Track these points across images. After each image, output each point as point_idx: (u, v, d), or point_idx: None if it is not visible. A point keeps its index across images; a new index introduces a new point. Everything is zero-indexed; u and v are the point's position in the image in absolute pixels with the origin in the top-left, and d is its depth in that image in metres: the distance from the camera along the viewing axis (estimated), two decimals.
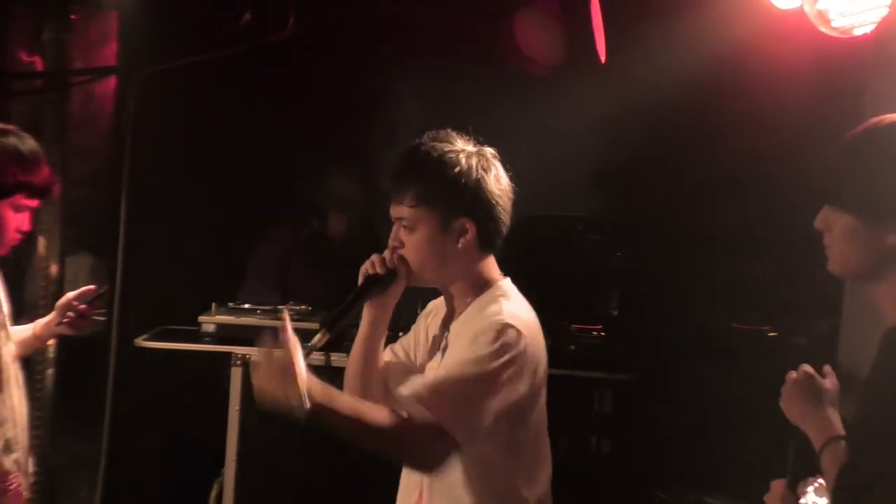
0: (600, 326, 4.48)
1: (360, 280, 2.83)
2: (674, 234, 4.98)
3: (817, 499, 2.58)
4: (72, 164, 5.44)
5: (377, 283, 2.83)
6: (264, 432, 4.38)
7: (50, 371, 5.42)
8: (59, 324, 3.80)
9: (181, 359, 4.82)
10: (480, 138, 2.80)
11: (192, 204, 5.49)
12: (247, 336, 4.49)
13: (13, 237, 3.69)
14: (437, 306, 3.01)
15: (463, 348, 2.68)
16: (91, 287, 3.87)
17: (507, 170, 2.85)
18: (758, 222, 4.63)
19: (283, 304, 4.79)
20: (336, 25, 5.28)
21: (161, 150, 5.34)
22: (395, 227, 2.82)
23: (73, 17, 5.30)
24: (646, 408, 4.86)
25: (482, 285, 2.82)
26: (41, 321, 3.87)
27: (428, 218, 2.77)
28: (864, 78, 4.31)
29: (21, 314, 5.52)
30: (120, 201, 5.24)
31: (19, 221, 3.64)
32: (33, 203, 3.74)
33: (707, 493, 4.23)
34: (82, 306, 3.79)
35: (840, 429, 2.44)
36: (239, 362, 4.43)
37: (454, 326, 2.83)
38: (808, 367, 2.57)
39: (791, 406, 2.56)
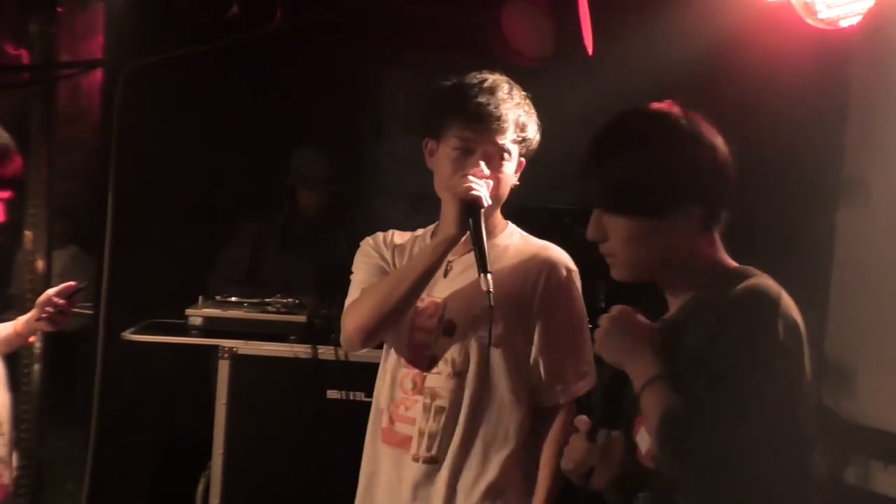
0: (588, 320, 4.47)
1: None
2: None
3: (639, 440, 2.40)
4: (58, 157, 5.44)
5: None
6: (252, 426, 4.38)
7: (36, 366, 5.41)
8: (38, 319, 3.80)
9: (169, 352, 4.81)
10: None
11: (179, 197, 5.49)
12: (234, 329, 4.49)
13: None
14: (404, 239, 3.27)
15: None
16: (71, 283, 3.87)
17: None
18: (743, 214, 4.63)
19: (271, 297, 4.79)
20: (323, 19, 5.28)
21: (148, 144, 5.34)
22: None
23: (59, 9, 5.29)
24: (632, 402, 4.87)
25: None
26: (23, 318, 3.87)
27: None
28: (851, 69, 4.33)
29: (8, 308, 5.55)
30: (107, 194, 5.24)
31: None
32: (5, 195, 3.76)
33: None
34: (61, 301, 3.79)
35: (659, 368, 2.26)
36: (226, 355, 4.42)
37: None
38: (624, 306, 2.39)
39: (609, 345, 2.33)
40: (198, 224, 5.49)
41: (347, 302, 3.19)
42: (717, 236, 2.41)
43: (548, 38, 4.91)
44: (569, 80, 4.62)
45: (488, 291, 2.85)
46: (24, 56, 5.35)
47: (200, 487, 4.70)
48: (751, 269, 2.37)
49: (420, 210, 4.02)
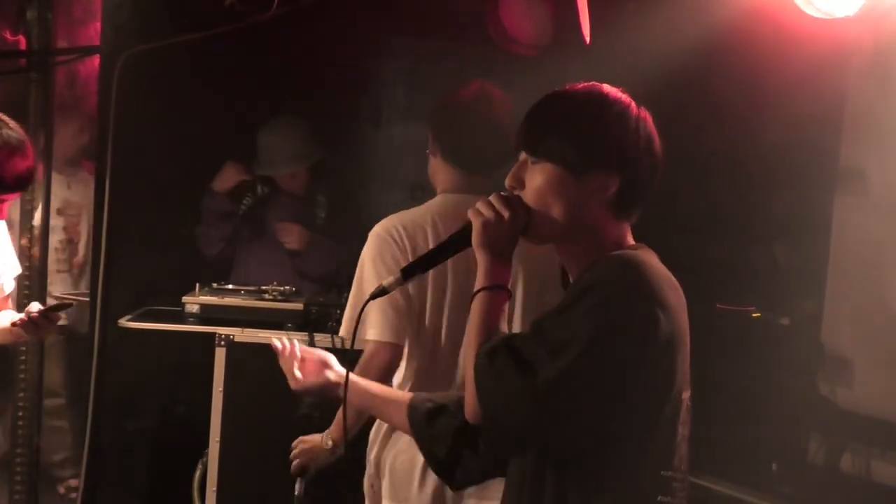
0: None
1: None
2: (660, 218, 5.00)
3: None
4: (56, 143, 5.45)
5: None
6: (249, 413, 4.40)
7: (33, 354, 5.44)
8: (13, 323, 3.83)
9: (166, 339, 4.83)
10: None
11: (176, 185, 5.50)
12: (230, 317, 4.52)
13: None
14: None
15: None
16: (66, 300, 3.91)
17: None
18: (742, 205, 4.66)
19: (267, 284, 4.82)
20: (319, 5, 5.28)
21: (145, 130, 5.34)
22: None
23: None
24: None
25: None
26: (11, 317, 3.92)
27: None
28: (848, 59, 4.34)
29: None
30: (104, 181, 5.25)
31: None
32: (13, 196, 3.83)
33: (692, 473, 4.24)
34: (34, 313, 3.80)
35: (504, 283, 2.32)
36: (223, 342, 4.44)
37: None
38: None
39: (492, 228, 2.31)
40: (195, 212, 5.49)
41: (353, 300, 3.32)
42: (628, 227, 2.45)
43: (546, 25, 4.92)
44: (566, 69, 4.63)
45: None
46: (22, 42, 5.36)
47: (197, 474, 4.72)
48: (644, 246, 2.44)
49: (417, 198, 4.05)
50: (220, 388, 4.42)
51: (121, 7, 5.22)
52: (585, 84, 2.40)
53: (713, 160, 4.67)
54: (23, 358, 5.39)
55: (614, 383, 2.16)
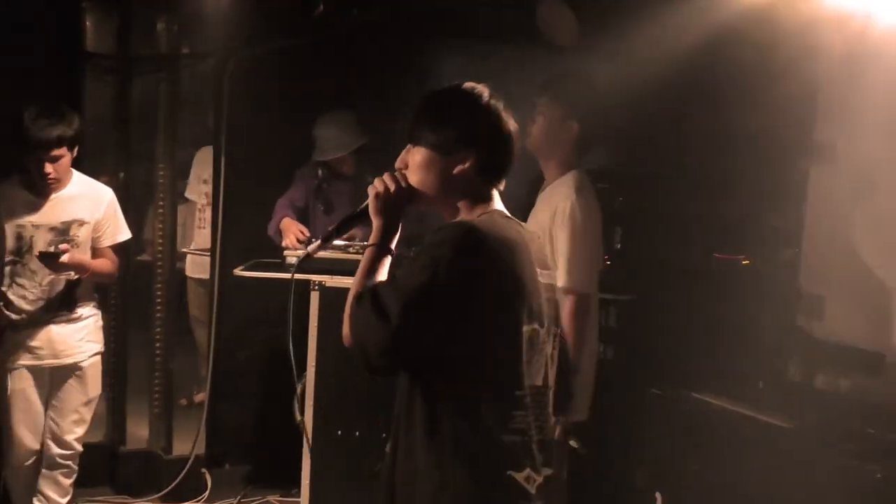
0: (606, 257, 4.48)
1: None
2: (665, 181, 4.98)
3: None
4: (181, 130, 5.49)
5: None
6: (337, 343, 4.42)
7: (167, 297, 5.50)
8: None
9: (270, 285, 4.87)
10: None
11: (277, 161, 5.52)
12: (322, 267, 4.53)
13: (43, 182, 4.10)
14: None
15: None
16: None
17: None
18: (735, 169, 4.62)
19: (350, 241, 4.81)
20: (392, 14, 5.27)
21: (251, 119, 5.37)
22: None
23: (182, 10, 5.33)
24: (643, 322, 4.88)
25: None
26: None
27: None
28: (821, 52, 4.28)
29: (142, 252, 5.63)
30: (220, 158, 5.29)
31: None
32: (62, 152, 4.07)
33: (694, 390, 4.25)
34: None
35: (392, 242, 2.43)
36: (316, 287, 4.46)
37: None
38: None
39: (388, 200, 2.42)
40: (289, 184, 5.49)
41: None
42: (494, 192, 2.48)
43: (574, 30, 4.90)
44: (593, 61, 4.60)
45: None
46: (154, 49, 5.39)
47: (298, 391, 4.77)
48: (497, 210, 2.47)
49: None
50: (315, 324, 4.44)
51: (231, 19, 5.24)
52: (450, 85, 2.51)
53: (716, 136, 4.63)
54: (158, 300, 5.46)
55: (440, 321, 2.25)
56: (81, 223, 4.27)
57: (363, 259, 2.41)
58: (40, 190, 4.20)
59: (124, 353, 5.50)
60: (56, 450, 4.36)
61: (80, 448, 4.46)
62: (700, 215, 4.79)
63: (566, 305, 3.61)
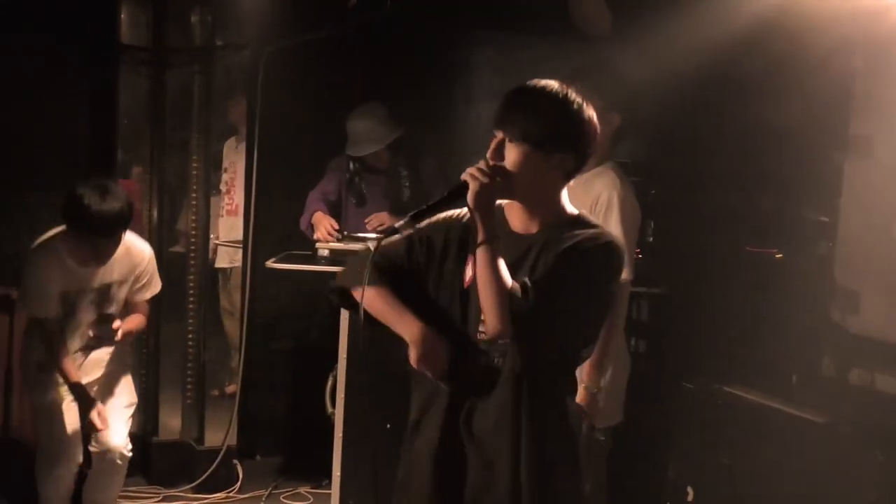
0: (639, 250, 4.48)
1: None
2: (697, 174, 4.97)
3: None
4: (215, 122, 5.52)
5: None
6: (369, 334, 4.44)
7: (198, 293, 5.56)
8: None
9: (302, 277, 4.90)
10: None
11: (309, 155, 5.55)
12: None
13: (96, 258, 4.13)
14: None
15: None
16: None
17: None
18: (768, 162, 4.60)
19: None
20: (425, 6, 5.29)
21: (284, 110, 5.40)
22: None
23: (216, 2, 5.37)
24: (675, 315, 4.88)
25: None
26: None
27: None
28: (857, 45, 4.25)
29: (175, 242, 5.68)
30: (253, 150, 5.33)
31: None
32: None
33: (726, 384, 4.24)
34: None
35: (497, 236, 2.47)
36: None
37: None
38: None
39: (485, 191, 2.45)
40: (322, 174, 5.52)
41: None
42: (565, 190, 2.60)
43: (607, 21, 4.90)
44: (625, 54, 4.59)
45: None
46: (188, 41, 5.43)
47: (329, 385, 4.79)
48: (584, 213, 2.63)
49: None
50: (346, 316, 4.46)
51: (264, 11, 5.27)
52: (550, 81, 2.54)
53: (749, 129, 4.61)
54: (191, 292, 5.51)
55: (596, 308, 2.55)
56: (122, 283, 4.32)
57: (487, 257, 2.42)
58: (86, 260, 4.19)
59: (157, 344, 5.55)
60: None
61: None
62: (733, 208, 4.77)
63: None
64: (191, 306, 5.50)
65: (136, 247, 4.38)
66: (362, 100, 5.34)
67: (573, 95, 2.51)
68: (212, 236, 5.84)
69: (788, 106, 4.34)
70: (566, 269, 2.44)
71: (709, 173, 4.87)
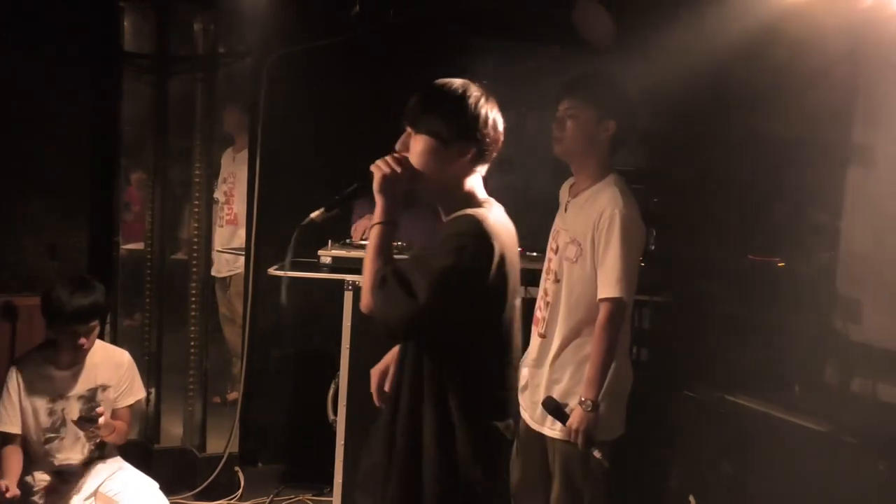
0: (640, 258, 4.51)
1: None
2: (700, 183, 4.98)
3: None
4: (217, 130, 5.54)
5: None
6: (370, 343, 4.45)
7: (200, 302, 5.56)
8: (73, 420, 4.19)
9: (305, 285, 4.90)
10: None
11: (312, 162, 5.54)
12: (356, 266, 4.56)
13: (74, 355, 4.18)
14: None
15: None
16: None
17: None
18: (771, 171, 4.62)
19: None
20: (427, 15, 5.29)
21: (288, 118, 5.41)
22: None
23: (219, 10, 5.39)
24: (677, 324, 4.89)
25: None
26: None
27: None
28: (860, 53, 4.27)
29: (177, 250, 5.69)
30: (255, 158, 5.34)
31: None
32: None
33: (728, 393, 4.25)
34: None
35: (396, 217, 2.68)
36: (350, 287, 4.50)
37: None
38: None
39: (392, 177, 2.67)
40: (326, 184, 5.49)
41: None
42: (481, 179, 2.77)
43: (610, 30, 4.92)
44: (630, 65, 4.61)
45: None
46: (191, 49, 5.45)
47: (331, 392, 4.80)
48: (491, 200, 2.76)
49: (504, 170, 4.06)
50: (348, 324, 4.48)
51: (267, 19, 5.28)
52: (454, 79, 2.73)
53: (752, 138, 4.63)
54: (193, 299, 5.53)
55: (463, 298, 2.55)
56: (105, 387, 4.32)
57: (374, 236, 2.67)
58: (66, 363, 4.23)
59: (159, 352, 5.56)
60: None
61: None
62: (735, 217, 4.78)
63: (603, 312, 3.60)
64: (192, 314, 5.52)
65: (116, 350, 4.47)
66: (364, 108, 5.35)
67: (472, 91, 2.69)
68: (219, 248, 5.87)
69: (791, 115, 4.36)
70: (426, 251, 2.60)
71: (712, 182, 4.88)
